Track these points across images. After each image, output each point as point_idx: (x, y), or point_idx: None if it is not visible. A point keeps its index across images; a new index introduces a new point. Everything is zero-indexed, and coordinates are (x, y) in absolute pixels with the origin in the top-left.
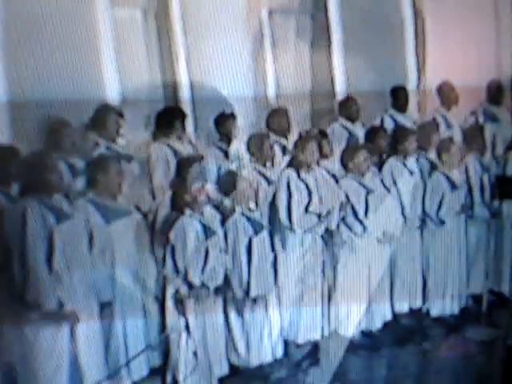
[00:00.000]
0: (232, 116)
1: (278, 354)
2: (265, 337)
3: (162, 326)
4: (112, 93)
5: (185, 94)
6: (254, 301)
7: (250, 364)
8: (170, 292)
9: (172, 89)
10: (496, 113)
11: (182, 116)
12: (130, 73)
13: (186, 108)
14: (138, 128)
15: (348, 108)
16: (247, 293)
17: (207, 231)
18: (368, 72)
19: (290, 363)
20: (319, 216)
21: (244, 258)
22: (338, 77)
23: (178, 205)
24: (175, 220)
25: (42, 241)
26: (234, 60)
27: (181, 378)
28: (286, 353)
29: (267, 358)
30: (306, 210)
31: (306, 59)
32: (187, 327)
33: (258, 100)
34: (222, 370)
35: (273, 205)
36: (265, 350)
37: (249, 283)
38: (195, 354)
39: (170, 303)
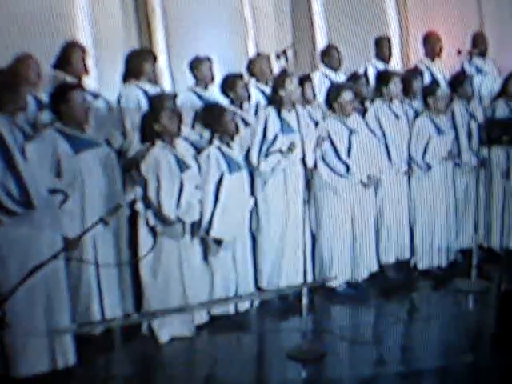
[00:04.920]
0: (208, 60)
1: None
2: (233, 284)
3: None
4: (85, 39)
5: (160, 43)
6: (219, 243)
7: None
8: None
9: (147, 38)
10: (481, 65)
11: (153, 58)
12: (103, 21)
13: (162, 58)
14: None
15: (330, 57)
16: (207, 232)
17: (181, 164)
18: (349, 24)
19: (272, 313)
20: (281, 152)
21: (211, 195)
22: (318, 29)
23: (149, 136)
24: (146, 152)
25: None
26: (212, 12)
27: (156, 324)
28: (268, 302)
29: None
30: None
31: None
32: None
33: (237, 53)
34: (201, 317)
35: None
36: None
37: (211, 222)
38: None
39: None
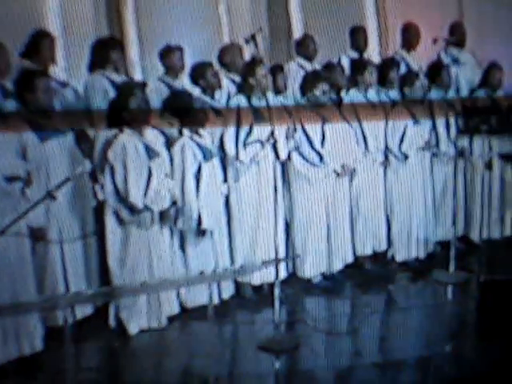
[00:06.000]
0: (179, 49)
1: (227, 294)
2: None
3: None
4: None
5: (131, 33)
6: (201, 234)
7: (192, 303)
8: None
9: (118, 29)
10: (457, 55)
11: (119, 47)
12: (73, 12)
13: (133, 49)
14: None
15: (305, 47)
16: (198, 224)
17: (149, 152)
18: (326, 14)
19: (245, 304)
20: (261, 142)
21: (192, 185)
22: (294, 19)
23: (117, 123)
24: (113, 138)
25: None
26: (184, 1)
27: (124, 315)
28: (240, 294)
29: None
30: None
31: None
32: None
33: (211, 43)
34: (171, 308)
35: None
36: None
37: (199, 214)
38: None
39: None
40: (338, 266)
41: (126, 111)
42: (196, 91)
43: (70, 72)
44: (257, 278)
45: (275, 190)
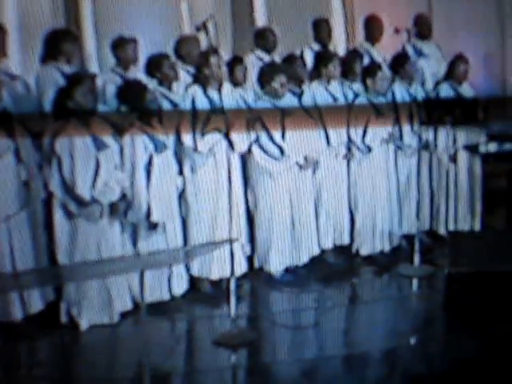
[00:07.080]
0: (133, 41)
1: (182, 289)
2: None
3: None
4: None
5: (88, 27)
6: (152, 227)
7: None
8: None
9: (75, 22)
10: (422, 47)
11: (72, 38)
12: (29, 5)
13: (90, 43)
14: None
15: (264, 39)
16: (147, 217)
17: (97, 142)
18: (291, 7)
19: (203, 299)
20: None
21: (142, 178)
22: (259, 10)
23: (63, 113)
24: (60, 129)
25: None
26: None
27: (75, 310)
28: (199, 289)
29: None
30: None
31: None
32: None
33: (171, 37)
34: (124, 305)
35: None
36: (166, 284)
37: (149, 207)
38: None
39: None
40: (303, 259)
41: (71, 101)
42: (153, 83)
43: (25, 65)
44: (215, 273)
45: (229, 182)
